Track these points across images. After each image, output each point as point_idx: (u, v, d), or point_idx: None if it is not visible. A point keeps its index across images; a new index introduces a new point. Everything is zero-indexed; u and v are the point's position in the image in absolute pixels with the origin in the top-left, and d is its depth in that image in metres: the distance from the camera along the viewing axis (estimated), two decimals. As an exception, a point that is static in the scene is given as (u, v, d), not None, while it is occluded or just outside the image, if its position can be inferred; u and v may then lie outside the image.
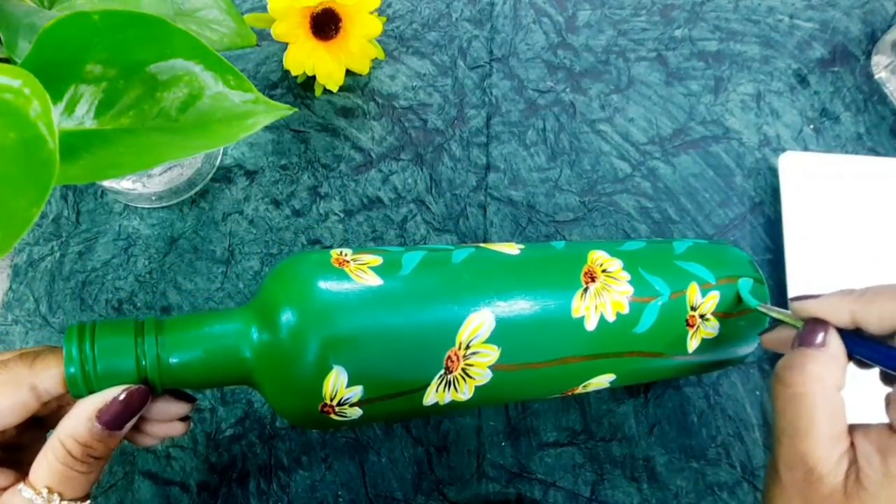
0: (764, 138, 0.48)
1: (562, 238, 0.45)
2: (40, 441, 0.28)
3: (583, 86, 0.48)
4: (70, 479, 0.26)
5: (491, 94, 0.48)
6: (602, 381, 0.35)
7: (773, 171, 0.47)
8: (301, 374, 0.28)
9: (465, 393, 0.32)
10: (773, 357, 0.43)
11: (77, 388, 0.26)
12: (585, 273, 0.34)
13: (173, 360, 0.28)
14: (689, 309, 0.35)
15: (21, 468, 0.27)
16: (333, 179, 0.45)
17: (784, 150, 0.47)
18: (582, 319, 0.33)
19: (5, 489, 0.26)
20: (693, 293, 0.35)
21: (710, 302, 0.35)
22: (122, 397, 0.26)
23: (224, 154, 0.46)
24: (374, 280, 0.30)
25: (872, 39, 0.50)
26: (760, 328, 0.37)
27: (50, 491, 0.26)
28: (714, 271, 0.36)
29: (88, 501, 0.27)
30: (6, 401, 0.26)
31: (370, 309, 0.29)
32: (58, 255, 0.43)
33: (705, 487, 0.41)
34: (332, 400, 0.29)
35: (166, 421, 0.30)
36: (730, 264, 0.36)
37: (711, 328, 0.35)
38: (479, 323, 0.31)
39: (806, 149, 0.48)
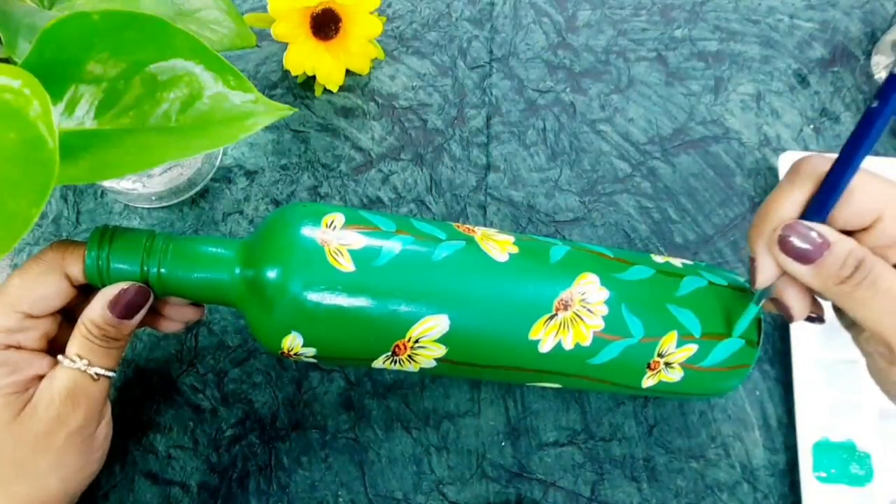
0: (764, 138, 0.48)
1: (562, 238, 0.45)
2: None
3: (583, 86, 0.48)
4: (94, 350, 0.32)
5: (491, 94, 0.48)
6: (548, 385, 0.36)
7: (773, 171, 0.47)
8: (265, 323, 0.32)
9: (410, 369, 0.35)
10: (773, 357, 0.43)
11: (94, 279, 0.32)
12: (561, 300, 0.33)
13: (171, 277, 0.32)
14: (655, 355, 0.34)
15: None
16: (333, 179, 0.45)
17: (784, 150, 0.47)
18: (537, 342, 0.33)
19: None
20: (667, 342, 0.34)
21: (681, 353, 0.34)
22: (126, 295, 0.32)
23: (224, 154, 0.46)
24: (348, 265, 0.32)
25: (872, 39, 0.50)
26: (733, 385, 0.36)
27: (80, 357, 0.32)
28: (706, 324, 0.34)
29: (113, 374, 0.33)
30: (49, 288, 0.31)
31: (333, 293, 0.31)
32: (58, 255, 0.43)
33: (705, 487, 0.41)
34: (289, 351, 0.33)
35: (181, 305, 0.36)
36: (731, 321, 0.34)
37: (673, 375, 0.35)
38: (432, 325, 0.32)
39: (806, 149, 0.48)
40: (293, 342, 0.32)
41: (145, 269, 0.32)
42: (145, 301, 0.32)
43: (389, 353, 0.33)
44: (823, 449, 0.40)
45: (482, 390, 0.42)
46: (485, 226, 0.45)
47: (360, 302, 0.32)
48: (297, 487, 0.40)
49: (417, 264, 0.32)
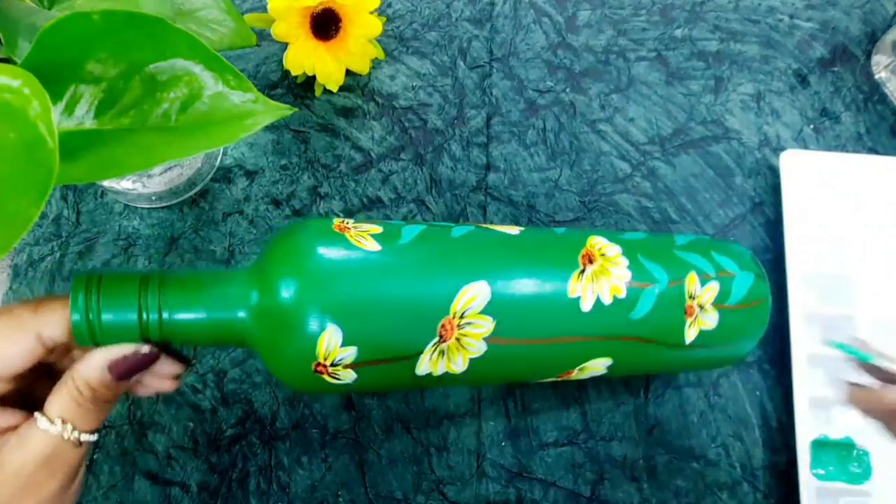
0: (764, 138, 0.48)
1: (562, 238, 0.45)
2: (45, 388, 0.30)
3: (583, 86, 0.48)
4: (82, 414, 0.27)
5: (491, 94, 0.48)
6: (598, 364, 0.35)
7: (774, 171, 0.47)
8: (297, 332, 0.29)
9: (458, 364, 0.32)
10: (773, 357, 0.43)
11: (82, 338, 0.27)
12: (583, 255, 0.34)
13: (174, 318, 0.28)
14: (687, 297, 0.35)
15: (29, 409, 0.28)
16: (333, 179, 0.45)
17: (784, 149, 0.47)
18: (578, 300, 0.33)
19: (17, 426, 0.27)
20: (692, 282, 0.35)
21: (709, 293, 0.35)
22: (133, 360, 0.28)
23: (224, 154, 0.46)
24: (373, 246, 0.31)
25: (872, 39, 0.50)
26: (762, 323, 0.37)
27: (63, 421, 0.27)
28: (713, 263, 0.36)
29: (96, 436, 0.29)
30: (13, 347, 0.27)
31: (367, 273, 0.30)
32: (58, 255, 0.43)
33: (705, 487, 0.41)
34: (325, 359, 0.30)
35: (161, 377, 0.31)
36: (729, 258, 0.37)
37: (710, 318, 0.35)
38: (474, 294, 0.31)
39: (806, 148, 0.48)
40: (331, 341, 0.29)
41: (145, 317, 0.28)
42: (153, 363, 0.29)
43: (436, 340, 0.31)
44: (822, 446, 0.40)
45: (482, 390, 0.42)
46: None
47: (394, 278, 0.30)
48: (297, 487, 0.40)
49: (440, 240, 0.33)
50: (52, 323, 0.27)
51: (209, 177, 0.45)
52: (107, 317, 0.27)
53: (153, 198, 0.43)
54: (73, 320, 0.27)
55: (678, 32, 0.50)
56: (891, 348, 0.31)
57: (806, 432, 0.40)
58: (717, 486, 0.41)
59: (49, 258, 0.43)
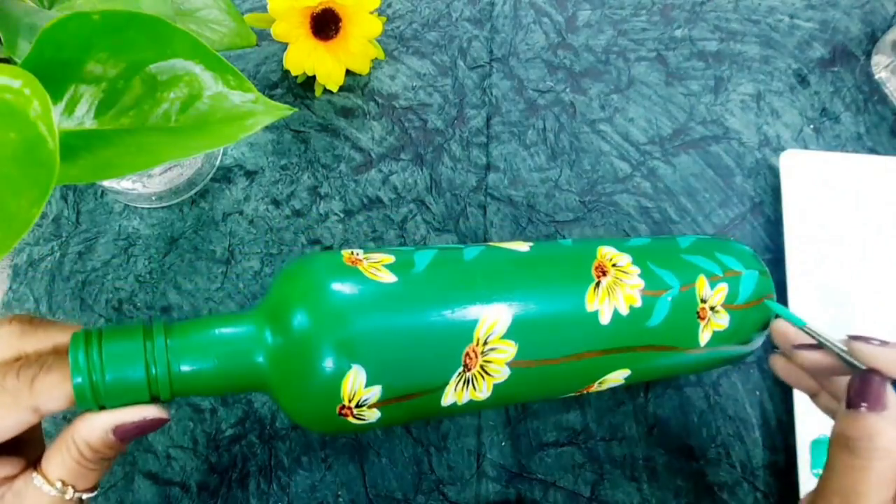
0: (764, 138, 0.48)
1: (562, 238, 0.45)
2: (37, 428, 0.29)
3: (583, 86, 0.48)
4: (82, 475, 0.27)
5: (491, 94, 0.48)
6: (617, 377, 0.35)
7: (774, 171, 0.47)
8: (319, 375, 0.28)
9: (483, 391, 0.32)
10: (773, 357, 0.43)
11: (85, 401, 0.25)
12: (596, 267, 0.34)
13: (184, 368, 0.27)
14: (699, 301, 0.35)
15: (21, 453, 0.27)
16: (333, 179, 0.45)
17: (784, 149, 0.47)
18: (596, 314, 0.33)
19: (15, 477, 0.27)
20: (702, 286, 0.35)
21: (719, 294, 0.35)
22: (142, 425, 0.27)
23: (224, 154, 0.46)
24: (389, 277, 0.30)
25: (872, 39, 0.50)
26: (769, 320, 0.37)
27: (64, 484, 0.26)
28: (719, 265, 0.36)
29: (96, 492, 0.28)
30: (6, 422, 0.26)
31: (387, 306, 0.29)
32: (58, 255, 0.43)
33: (705, 487, 0.41)
34: (350, 401, 0.28)
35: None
36: (733, 258, 0.37)
37: (721, 320, 0.36)
38: (495, 318, 0.31)
39: (806, 148, 0.48)
40: (355, 382, 0.28)
41: (153, 371, 0.26)
42: (163, 426, 0.27)
43: (461, 369, 0.30)
44: (822, 446, 0.40)
45: (482, 390, 0.42)
46: (485, 226, 0.45)
47: (415, 309, 0.30)
48: (297, 487, 0.40)
49: (455, 265, 0.32)
50: (51, 397, 0.26)
51: (209, 177, 0.45)
52: (111, 375, 0.26)
53: (153, 198, 0.43)
54: (74, 383, 0.25)
55: (678, 32, 0.50)
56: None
57: (806, 432, 0.40)
58: (717, 486, 0.41)
59: (49, 258, 0.43)
